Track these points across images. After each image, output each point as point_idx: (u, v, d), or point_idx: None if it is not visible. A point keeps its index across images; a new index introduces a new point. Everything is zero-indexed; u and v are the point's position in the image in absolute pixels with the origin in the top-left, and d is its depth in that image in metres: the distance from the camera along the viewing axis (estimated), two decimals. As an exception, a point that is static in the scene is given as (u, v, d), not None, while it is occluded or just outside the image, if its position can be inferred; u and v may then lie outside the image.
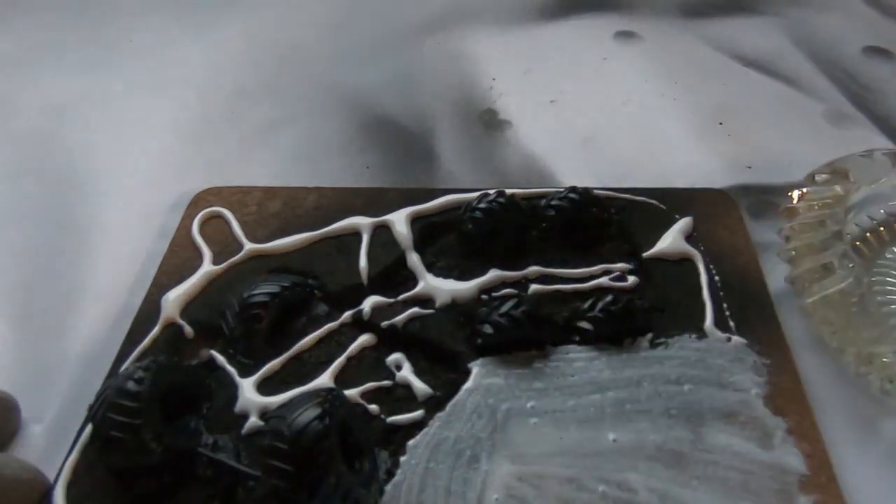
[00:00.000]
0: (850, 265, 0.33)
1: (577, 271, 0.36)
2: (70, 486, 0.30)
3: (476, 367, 0.33)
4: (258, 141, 0.46)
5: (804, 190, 0.37)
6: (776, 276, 0.37)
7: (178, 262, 0.38)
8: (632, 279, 0.36)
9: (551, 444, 0.30)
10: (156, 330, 0.35)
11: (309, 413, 0.28)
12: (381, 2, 0.61)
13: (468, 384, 0.32)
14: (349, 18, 0.60)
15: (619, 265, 0.37)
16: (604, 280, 0.36)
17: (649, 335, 0.34)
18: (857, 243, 0.37)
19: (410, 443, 0.31)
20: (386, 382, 0.33)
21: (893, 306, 0.35)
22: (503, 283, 0.36)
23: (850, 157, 0.38)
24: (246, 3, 0.63)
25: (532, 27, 0.58)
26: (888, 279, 0.36)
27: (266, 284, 0.35)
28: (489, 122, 0.48)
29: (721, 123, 0.47)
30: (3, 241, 0.42)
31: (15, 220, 0.43)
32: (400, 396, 0.32)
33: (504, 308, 0.33)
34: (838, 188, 0.36)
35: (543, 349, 0.33)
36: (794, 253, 0.35)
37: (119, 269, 0.39)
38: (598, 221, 0.38)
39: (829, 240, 0.34)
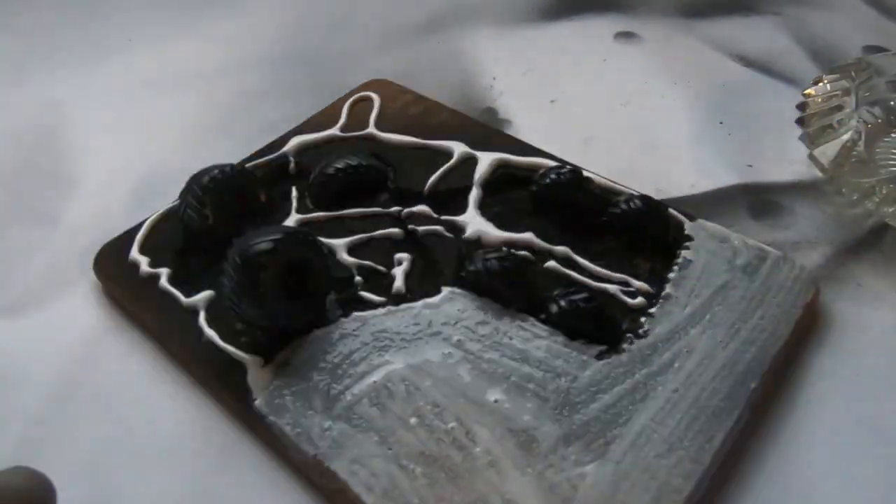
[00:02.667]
0: (857, 124, 0.40)
1: (599, 270, 0.37)
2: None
3: (446, 291, 0.36)
4: (258, 141, 0.46)
5: (813, 90, 0.44)
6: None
7: (321, 119, 0.47)
8: (640, 301, 0.35)
9: (446, 373, 0.33)
10: (273, 156, 0.44)
11: (265, 243, 0.33)
12: (381, 1, 0.61)
13: (431, 300, 0.36)
14: (349, 17, 0.60)
15: (641, 284, 0.36)
16: (613, 288, 0.36)
17: (602, 347, 0.33)
18: (868, 125, 0.41)
19: (356, 313, 0.35)
20: (381, 268, 0.37)
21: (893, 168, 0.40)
22: (529, 247, 0.38)
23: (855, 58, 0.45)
24: (246, 2, 0.63)
25: (532, 27, 0.58)
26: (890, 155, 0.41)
27: (353, 157, 0.42)
28: (489, 122, 0.48)
29: (721, 123, 0.47)
30: (3, 241, 0.42)
31: (15, 219, 0.43)
32: (382, 284, 0.37)
33: (490, 257, 0.35)
34: (845, 82, 0.43)
35: (509, 308, 0.35)
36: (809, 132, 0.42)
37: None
38: (657, 238, 0.38)
39: (842, 119, 0.41)
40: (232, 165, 0.40)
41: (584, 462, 0.29)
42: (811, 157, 0.42)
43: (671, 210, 0.39)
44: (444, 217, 0.40)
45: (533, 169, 0.42)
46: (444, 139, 0.44)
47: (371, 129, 0.46)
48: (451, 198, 0.41)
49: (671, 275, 0.36)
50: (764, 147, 0.45)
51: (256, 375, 0.33)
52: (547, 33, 0.57)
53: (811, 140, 0.42)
